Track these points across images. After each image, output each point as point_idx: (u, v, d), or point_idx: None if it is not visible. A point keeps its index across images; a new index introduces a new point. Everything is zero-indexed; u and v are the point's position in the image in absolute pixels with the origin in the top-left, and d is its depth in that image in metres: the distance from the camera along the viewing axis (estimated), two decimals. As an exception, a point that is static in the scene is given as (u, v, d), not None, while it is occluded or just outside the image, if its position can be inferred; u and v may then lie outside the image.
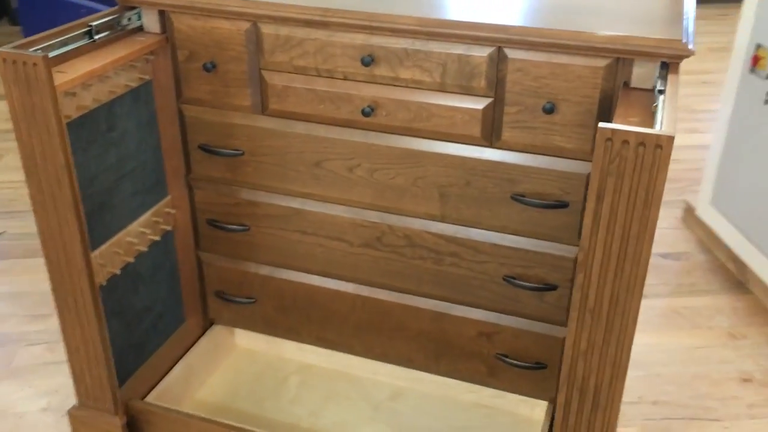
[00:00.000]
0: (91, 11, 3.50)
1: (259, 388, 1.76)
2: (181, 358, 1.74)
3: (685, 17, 1.26)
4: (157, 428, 1.53)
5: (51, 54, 1.23)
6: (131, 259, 1.55)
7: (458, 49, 1.28)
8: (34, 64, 1.15)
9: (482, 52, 1.26)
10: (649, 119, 1.06)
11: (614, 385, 1.07)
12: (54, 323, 2.01)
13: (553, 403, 1.59)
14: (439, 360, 1.61)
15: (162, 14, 1.44)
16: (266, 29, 1.38)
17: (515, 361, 1.53)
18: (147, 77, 1.50)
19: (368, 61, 1.33)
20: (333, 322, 1.66)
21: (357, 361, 1.76)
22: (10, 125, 3.43)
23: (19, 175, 2.82)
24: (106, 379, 1.47)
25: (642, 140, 0.90)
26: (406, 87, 1.34)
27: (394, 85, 1.35)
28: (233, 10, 1.37)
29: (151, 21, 1.46)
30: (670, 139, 0.89)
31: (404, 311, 1.58)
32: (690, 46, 1.13)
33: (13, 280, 2.20)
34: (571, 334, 1.06)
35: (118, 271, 1.52)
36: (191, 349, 1.75)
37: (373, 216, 1.50)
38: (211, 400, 1.72)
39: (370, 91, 1.37)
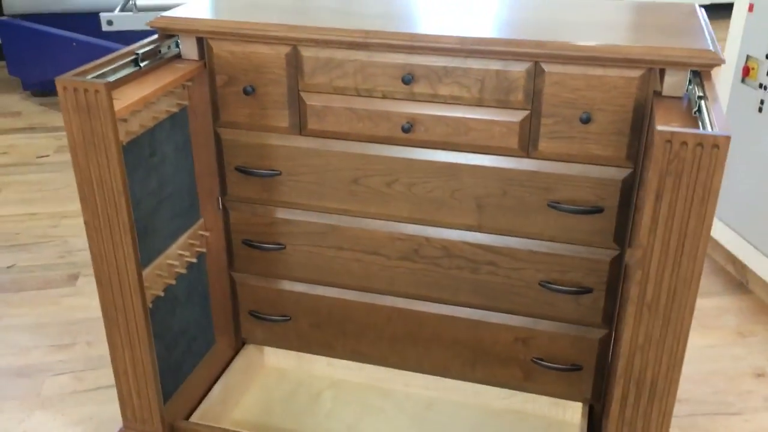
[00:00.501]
0: (81, 43, 3.52)
1: (293, 405, 1.78)
2: (215, 378, 1.76)
3: (706, 28, 1.34)
4: (202, 448, 1.55)
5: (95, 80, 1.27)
6: (172, 281, 1.57)
7: (496, 65, 1.34)
8: (96, 91, 1.18)
9: (520, 67, 1.33)
10: (691, 123, 1.14)
11: (671, 377, 1.13)
12: (78, 352, 2.02)
13: (587, 403, 1.64)
14: (475, 367, 1.66)
15: (200, 41, 1.49)
16: (306, 52, 1.43)
17: (551, 364, 1.58)
18: (185, 102, 1.54)
19: (408, 79, 1.38)
20: (368, 336, 1.70)
21: (388, 373, 1.79)
22: (7, 159, 3.40)
23: (22, 208, 2.83)
24: (155, 400, 1.48)
25: (700, 141, 0.97)
26: (445, 103, 1.40)
27: (433, 102, 1.41)
28: (274, 35, 1.42)
29: (189, 48, 1.50)
30: (727, 139, 0.96)
31: (440, 321, 1.62)
32: (720, 55, 1.21)
33: (30, 312, 2.20)
34: (629, 329, 1.12)
35: (161, 293, 1.54)
36: (227, 369, 1.77)
37: (410, 229, 1.54)
38: (248, 418, 1.74)
39: (409, 108, 1.42)
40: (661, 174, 1.00)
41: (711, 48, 1.23)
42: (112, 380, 1.90)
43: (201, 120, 1.57)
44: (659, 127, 0.98)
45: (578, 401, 1.63)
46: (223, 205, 1.66)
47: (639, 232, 1.30)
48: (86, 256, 2.48)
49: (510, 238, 1.49)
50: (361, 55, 1.40)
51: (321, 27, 1.40)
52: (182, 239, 1.62)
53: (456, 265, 1.55)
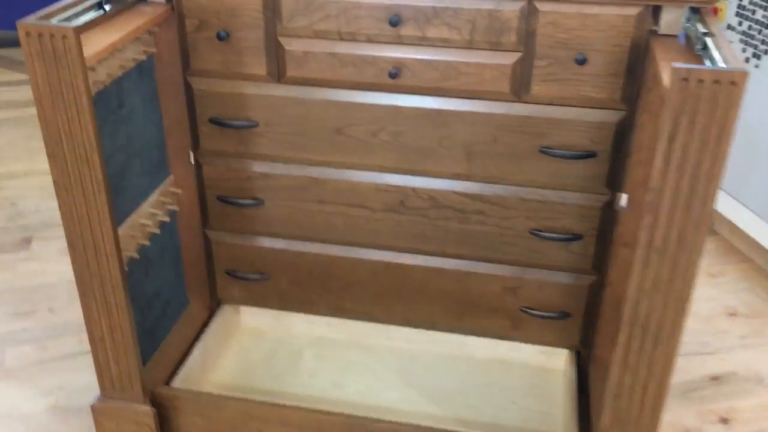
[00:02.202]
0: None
1: (275, 365, 1.73)
2: (191, 341, 1.69)
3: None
4: (186, 414, 1.49)
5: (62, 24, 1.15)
6: (146, 242, 1.49)
7: (488, 5, 1.28)
8: (64, 37, 1.07)
9: (513, 6, 1.27)
10: (696, 62, 1.10)
11: (677, 322, 1.12)
12: (40, 320, 1.91)
13: (575, 350, 1.64)
14: (463, 319, 1.63)
15: (166, -18, 1.38)
16: (283, -7, 1.34)
17: (540, 312, 1.57)
18: (152, 50, 1.43)
19: (396, 21, 1.31)
20: (352, 291, 1.65)
21: (370, 328, 1.76)
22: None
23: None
24: (134, 367, 1.41)
25: (717, 78, 0.94)
26: (433, 46, 1.34)
27: (421, 45, 1.34)
28: (247, -25, 1.32)
29: (154, -10, 1.38)
30: (745, 74, 0.93)
31: (427, 274, 1.58)
32: (720, -8, 1.18)
33: (-16, 279, 2.07)
34: (637, 275, 1.10)
35: (136, 255, 1.46)
36: (204, 332, 1.70)
37: (396, 179, 1.49)
38: (229, 381, 1.68)
39: (396, 52, 1.35)
40: (676, 114, 0.97)
41: (710, -16, 1.19)
42: (78, 347, 1.82)
43: (169, 68, 1.47)
44: (675, 65, 0.94)
45: (566, 348, 1.63)
46: (195, 159, 1.56)
47: (633, 175, 1.27)
48: (38, 218, 2.35)
49: (500, 186, 1.45)
50: (344, -4, 1.32)
51: (300, -35, 1.31)
52: (153, 197, 1.53)
53: (444, 216, 1.50)
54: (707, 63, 1.05)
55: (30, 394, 1.69)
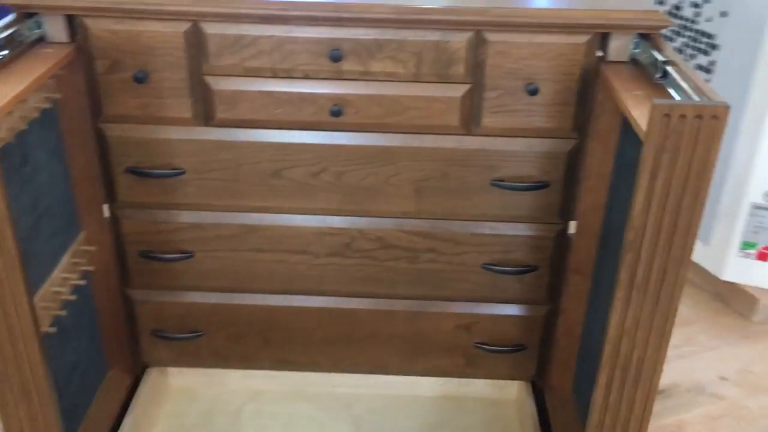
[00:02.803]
0: None
1: (212, 429, 1.58)
2: (116, 413, 1.51)
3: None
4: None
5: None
6: (62, 312, 1.31)
7: (434, 36, 1.21)
8: (-37, 93, 0.90)
9: (461, 37, 1.21)
10: (656, 91, 1.08)
11: (657, 358, 1.09)
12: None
13: (531, 381, 1.59)
14: (415, 360, 1.55)
15: (70, 19, 1.21)
16: (210, 29, 1.21)
17: (495, 347, 1.51)
18: (56, 96, 1.26)
19: (337, 55, 1.21)
20: (296, 342, 1.53)
21: (313, 377, 1.65)
22: None
23: None
24: (60, 458, 1.23)
25: (699, 113, 0.91)
26: (377, 81, 1.25)
27: (364, 80, 1.25)
28: (169, 10, 1.18)
29: (55, 29, 1.22)
30: (726, 108, 0.90)
31: (376, 317, 1.49)
32: (667, 17, 1.16)
33: None
34: (617, 313, 1.06)
35: (52, 329, 1.28)
36: (133, 402, 1.53)
37: (340, 222, 1.39)
38: (165, 453, 1.52)
39: (337, 89, 1.26)
40: (658, 150, 0.93)
41: (658, 9, 1.17)
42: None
43: (76, 116, 1.30)
44: (656, 101, 0.90)
45: (521, 380, 1.58)
46: (111, 213, 1.40)
47: (583, 202, 1.24)
48: None
49: (451, 222, 1.38)
50: (277, 30, 1.21)
51: (228, -1, 1.18)
52: (65, 259, 1.35)
53: (393, 256, 1.42)
54: (676, 95, 1.03)
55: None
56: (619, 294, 1.04)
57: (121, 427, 1.46)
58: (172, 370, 1.65)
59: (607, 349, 1.09)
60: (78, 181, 1.38)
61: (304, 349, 1.54)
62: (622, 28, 1.18)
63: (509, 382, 1.63)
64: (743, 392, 1.80)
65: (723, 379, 1.84)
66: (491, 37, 1.21)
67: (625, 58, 1.22)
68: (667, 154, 0.94)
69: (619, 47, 1.21)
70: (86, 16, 1.20)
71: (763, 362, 1.90)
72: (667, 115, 0.91)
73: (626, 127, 1.26)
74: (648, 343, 1.08)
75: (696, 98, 0.97)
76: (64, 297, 1.33)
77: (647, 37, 1.19)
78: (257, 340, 1.53)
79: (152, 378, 1.61)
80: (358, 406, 1.64)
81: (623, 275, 1.03)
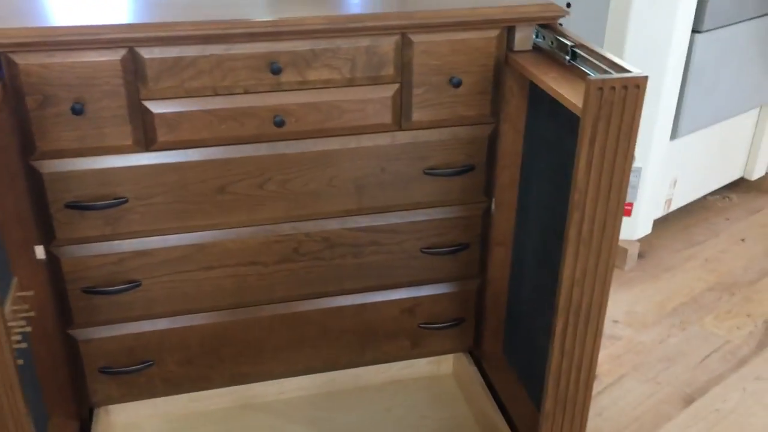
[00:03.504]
0: None
1: (171, 458, 1.57)
2: (69, 462, 1.46)
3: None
4: None
5: None
6: (19, 361, 1.25)
7: (365, 42, 1.30)
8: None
9: (389, 41, 1.31)
10: (569, 72, 1.25)
11: (602, 301, 1.25)
12: None
13: (468, 351, 1.73)
14: (364, 351, 1.63)
15: (-7, 56, 1.17)
16: (148, 54, 1.22)
17: (437, 325, 1.63)
18: (-15, 137, 1.20)
19: (277, 68, 1.27)
20: (249, 354, 1.56)
21: (259, 388, 1.67)
22: None
23: None
24: None
25: (625, 84, 1.08)
26: (315, 88, 1.32)
27: (302, 89, 1.32)
28: (104, 38, 1.18)
29: (-23, 67, 1.17)
30: (645, 78, 1.08)
31: (326, 315, 1.56)
32: (563, 8, 1.34)
33: None
34: (568, 267, 1.21)
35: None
36: (87, 445, 1.48)
37: (287, 228, 1.44)
38: (130, 491, 1.48)
39: (276, 100, 1.31)
40: (595, 120, 1.09)
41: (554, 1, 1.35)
42: None
43: (2, 157, 1.25)
44: (590, 77, 1.06)
45: (462, 352, 1.72)
46: (48, 252, 1.35)
47: (500, 180, 1.40)
48: None
49: (390, 214, 1.48)
50: (217, 49, 1.24)
51: (164, 23, 1.20)
52: (7, 308, 1.29)
53: (339, 254, 1.49)
54: (591, 72, 1.20)
55: None
56: (570, 249, 1.19)
57: (85, 472, 1.41)
58: (115, 408, 1.60)
59: (562, 299, 1.24)
60: (6, 224, 1.32)
61: (257, 360, 1.57)
62: (527, 20, 1.34)
63: (444, 357, 1.75)
64: (634, 330, 2.07)
65: (615, 322, 2.10)
66: (415, 38, 1.32)
67: (529, 47, 1.38)
68: (602, 123, 1.10)
69: (523, 38, 1.37)
70: (13, 52, 1.16)
71: (642, 303, 2.18)
72: (601, 89, 1.07)
73: (534, 109, 1.43)
74: (594, 290, 1.24)
75: (615, 73, 1.14)
76: (16, 346, 1.27)
77: (546, 26, 1.36)
78: (210, 358, 1.53)
79: (100, 419, 1.56)
80: (311, 407, 1.69)
81: (572, 232, 1.18)
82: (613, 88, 1.07)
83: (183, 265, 1.41)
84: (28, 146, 1.25)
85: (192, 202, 1.36)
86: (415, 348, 1.66)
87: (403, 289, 1.58)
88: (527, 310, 1.56)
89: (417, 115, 1.39)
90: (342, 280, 1.52)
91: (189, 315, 1.48)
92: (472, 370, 1.69)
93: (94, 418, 1.54)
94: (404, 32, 1.31)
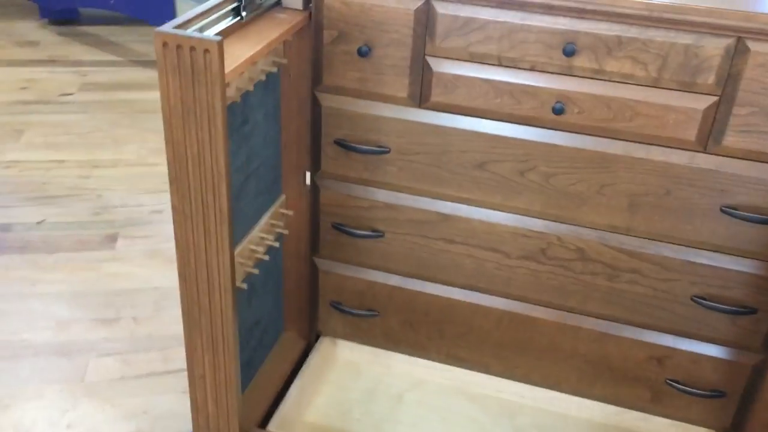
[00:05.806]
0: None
1: (373, 410, 1.57)
2: (285, 374, 1.54)
3: None
4: (282, 462, 1.35)
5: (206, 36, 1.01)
6: (254, 270, 1.34)
7: (686, 39, 1.08)
8: (206, 51, 0.92)
9: (717, 44, 1.07)
10: None
11: None
12: (124, 330, 1.80)
13: None
14: (594, 384, 1.45)
15: (306, -15, 1.22)
16: (442, 9, 1.16)
17: (689, 388, 1.37)
18: (283, 61, 1.28)
19: (571, 50, 1.12)
20: (470, 340, 1.48)
21: (477, 377, 1.58)
22: (27, 96, 3.07)
23: (48, 154, 2.56)
24: (233, 409, 1.27)
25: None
26: (610, 81, 1.15)
27: (595, 78, 1.15)
28: (403, -15, 1.15)
29: (291, -7, 1.23)
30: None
31: (560, 330, 1.40)
32: None
33: (67, 278, 1.97)
34: None
35: (243, 285, 1.31)
36: (303, 368, 1.56)
37: (539, 225, 1.31)
38: (325, 423, 1.53)
39: (562, 84, 1.17)
40: None
41: None
42: (163, 366, 1.70)
43: (297, 82, 1.32)
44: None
45: (714, 429, 1.43)
46: (312, 181, 1.41)
47: None
48: (125, 214, 2.24)
49: (663, 245, 1.26)
50: (512, 17, 1.14)
51: (465, -22, 1.13)
52: (264, 220, 1.38)
53: (591, 270, 1.32)
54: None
55: (112, 416, 1.57)
56: None
57: (288, 390, 1.49)
58: (342, 343, 1.66)
59: None
60: (287, 145, 1.40)
61: (477, 348, 1.48)
62: None
63: (695, 427, 1.47)
64: None
65: None
66: (755, 46, 1.06)
67: None
68: None
69: None
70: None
71: None
72: None
73: None
74: None
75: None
76: (258, 256, 1.36)
77: None
78: (431, 330, 1.49)
79: (324, 347, 1.63)
80: (522, 417, 1.56)
81: None
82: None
83: (426, 230, 1.37)
84: (316, 77, 1.29)
85: (449, 170, 1.30)
86: (655, 404, 1.42)
87: (657, 333, 1.35)
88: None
89: (730, 140, 1.13)
90: (587, 299, 1.35)
91: (421, 281, 1.44)
92: (716, 455, 1.40)
93: (318, 345, 1.61)
94: (741, 36, 1.06)
